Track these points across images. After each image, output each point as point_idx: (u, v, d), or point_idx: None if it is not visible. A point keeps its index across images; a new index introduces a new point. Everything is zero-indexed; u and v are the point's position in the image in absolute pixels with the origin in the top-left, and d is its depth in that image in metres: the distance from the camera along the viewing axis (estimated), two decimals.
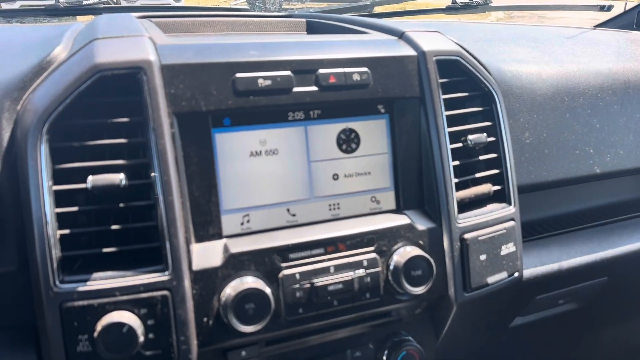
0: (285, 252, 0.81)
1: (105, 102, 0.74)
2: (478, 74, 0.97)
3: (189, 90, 0.76)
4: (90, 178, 0.72)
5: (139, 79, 0.74)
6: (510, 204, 0.98)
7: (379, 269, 0.85)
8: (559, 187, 1.16)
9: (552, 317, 1.32)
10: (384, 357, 0.93)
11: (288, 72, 0.81)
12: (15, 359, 0.78)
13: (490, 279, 0.94)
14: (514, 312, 1.21)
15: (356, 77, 0.85)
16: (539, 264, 1.12)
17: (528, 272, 1.08)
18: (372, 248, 0.86)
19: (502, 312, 1.17)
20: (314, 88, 0.83)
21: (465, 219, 0.91)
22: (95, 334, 0.69)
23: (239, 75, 0.78)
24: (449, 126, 0.91)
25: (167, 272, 0.73)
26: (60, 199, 0.72)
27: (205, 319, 0.76)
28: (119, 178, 0.73)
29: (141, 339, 0.70)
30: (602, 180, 1.24)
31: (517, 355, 1.48)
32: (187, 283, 0.74)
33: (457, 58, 0.95)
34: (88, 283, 0.70)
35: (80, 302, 0.70)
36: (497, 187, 0.98)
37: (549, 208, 1.23)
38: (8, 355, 0.79)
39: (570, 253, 1.17)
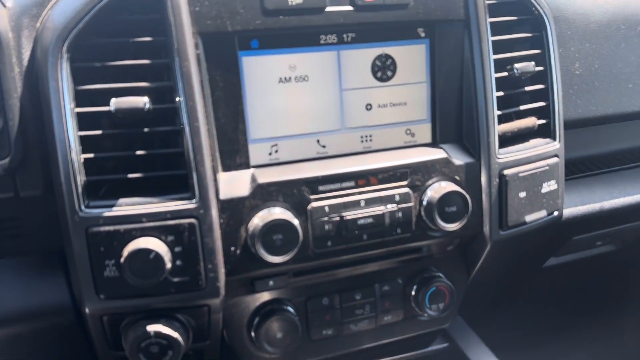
0: (314, 184, 0.78)
1: (127, 20, 0.71)
2: None
3: (214, 8, 0.71)
4: (113, 100, 0.69)
5: None
6: (555, 139, 0.93)
7: (411, 204, 0.82)
8: (608, 123, 1.10)
9: (587, 259, 1.29)
10: (413, 292, 0.92)
11: None
12: (44, 282, 0.80)
13: (529, 218, 0.90)
14: (550, 252, 1.18)
15: None
16: (580, 204, 1.08)
17: (568, 212, 1.04)
18: (405, 182, 0.82)
19: (537, 252, 1.15)
20: (349, 8, 0.77)
21: (506, 154, 0.87)
22: (122, 260, 0.68)
23: None
24: (494, 53, 0.85)
25: (194, 200, 0.71)
26: (83, 121, 0.70)
27: (232, 248, 0.75)
28: (143, 101, 0.70)
29: (168, 265, 0.69)
30: None
31: (549, 295, 1.46)
32: (214, 212, 0.73)
33: None
34: (114, 208, 0.69)
35: (106, 228, 0.69)
36: (542, 121, 0.92)
37: (596, 145, 1.17)
38: (38, 278, 0.80)
39: (614, 193, 1.12)
